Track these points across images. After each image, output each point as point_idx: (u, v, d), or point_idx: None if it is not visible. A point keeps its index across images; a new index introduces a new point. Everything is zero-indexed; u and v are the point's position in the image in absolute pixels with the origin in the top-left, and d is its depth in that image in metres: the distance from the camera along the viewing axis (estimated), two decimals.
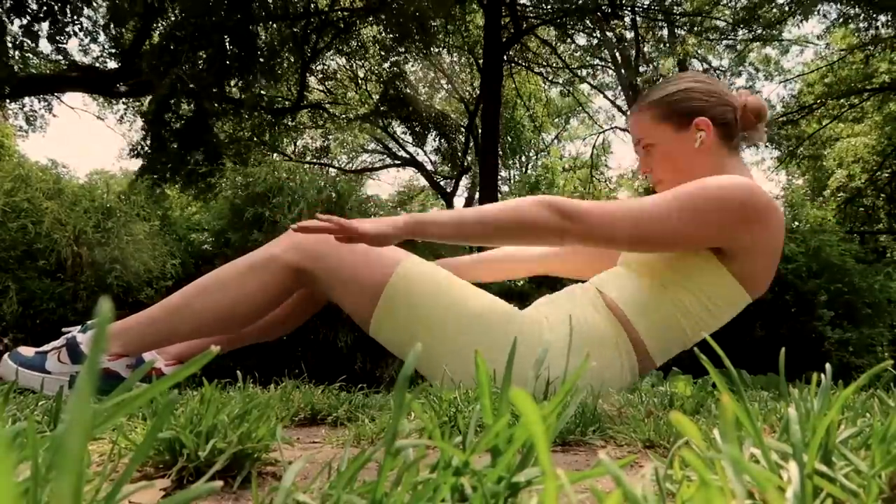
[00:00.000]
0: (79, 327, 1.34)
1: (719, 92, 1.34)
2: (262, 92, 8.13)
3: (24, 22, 6.30)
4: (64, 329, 1.36)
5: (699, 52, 11.95)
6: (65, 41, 6.76)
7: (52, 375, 1.27)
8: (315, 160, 12.87)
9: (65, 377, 1.28)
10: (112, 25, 7.16)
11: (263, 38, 7.73)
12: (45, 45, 6.82)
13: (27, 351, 1.32)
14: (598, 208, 1.17)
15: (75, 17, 6.63)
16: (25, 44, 6.77)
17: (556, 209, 1.16)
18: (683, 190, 1.16)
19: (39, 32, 6.56)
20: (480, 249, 1.62)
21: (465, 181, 14.77)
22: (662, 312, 1.25)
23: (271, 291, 1.32)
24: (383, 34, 9.14)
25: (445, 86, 14.80)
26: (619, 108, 15.15)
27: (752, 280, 1.25)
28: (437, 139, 12.28)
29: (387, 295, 1.28)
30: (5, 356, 1.30)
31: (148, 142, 7.28)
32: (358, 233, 1.17)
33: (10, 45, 6.55)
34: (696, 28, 10.34)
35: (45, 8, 6.30)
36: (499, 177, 10.23)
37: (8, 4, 6.09)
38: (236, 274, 1.31)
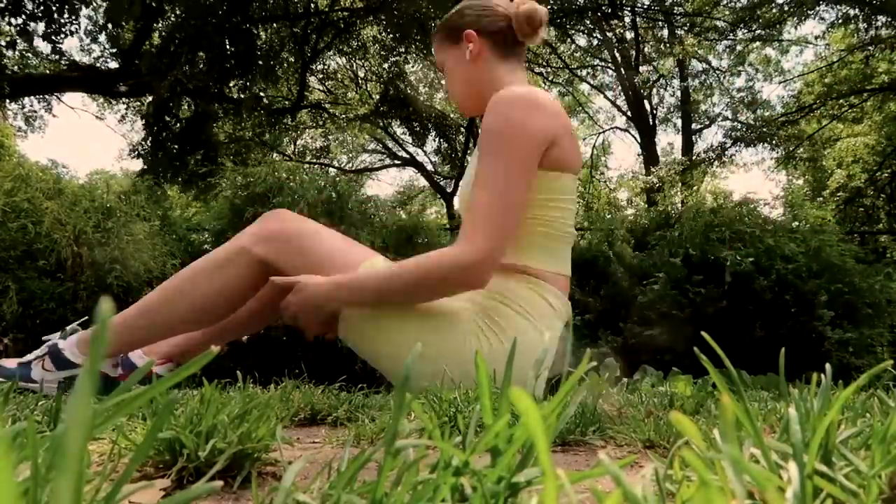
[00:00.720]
0: (58, 334, 1.34)
1: (489, 5, 1.41)
2: (262, 94, 8.12)
3: (20, 21, 6.29)
4: (44, 338, 1.36)
5: (699, 52, 11.95)
6: (61, 41, 6.75)
7: (41, 384, 1.27)
8: (315, 160, 12.87)
9: (53, 385, 1.28)
10: (111, 26, 7.15)
11: (263, 38, 7.73)
12: (44, 46, 6.81)
13: (9, 363, 1.32)
14: (471, 228, 1.19)
15: (73, 17, 6.61)
16: (20, 43, 6.76)
17: (459, 264, 1.18)
18: (485, 167, 1.21)
19: (35, 32, 6.55)
20: None
21: None
22: (529, 237, 1.29)
23: (243, 284, 1.33)
24: (383, 34, 9.13)
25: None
26: (619, 109, 15.15)
27: (567, 160, 1.29)
28: (436, 139, 12.28)
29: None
30: None
31: (149, 143, 7.27)
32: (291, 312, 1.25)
33: (3, 44, 6.54)
34: (696, 28, 10.34)
35: (41, 7, 6.29)
36: None
37: (3, 4, 6.08)
38: (208, 269, 1.33)
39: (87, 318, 1.46)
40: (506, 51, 1.40)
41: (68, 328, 1.36)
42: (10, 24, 6.35)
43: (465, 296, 1.31)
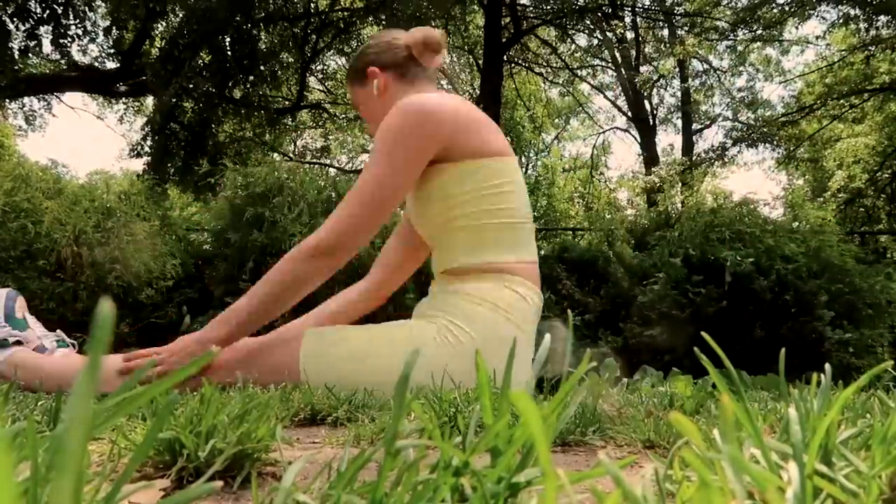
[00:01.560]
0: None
1: (387, 40, 1.47)
2: (262, 93, 8.12)
3: (28, 26, 6.30)
4: None
5: (699, 52, 11.95)
6: (68, 44, 6.76)
7: None
8: (315, 160, 12.87)
9: None
10: (115, 29, 7.15)
11: (264, 39, 7.73)
12: (45, 45, 6.81)
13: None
14: (336, 216, 1.28)
15: (78, 21, 6.62)
16: (29, 47, 6.77)
17: (313, 251, 1.27)
18: (376, 145, 1.29)
19: (42, 36, 6.56)
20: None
21: None
22: (481, 233, 1.31)
23: None
24: None
25: (445, 86, 14.80)
26: (619, 109, 15.16)
27: (483, 147, 1.32)
28: None
29: (303, 361, 1.30)
30: None
31: (148, 142, 7.27)
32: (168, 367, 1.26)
33: (16, 49, 6.55)
34: (696, 28, 10.34)
35: (48, 12, 6.30)
36: None
37: (11, 10, 6.09)
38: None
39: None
40: (410, 76, 1.45)
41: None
42: (18, 28, 6.36)
43: (426, 309, 1.35)
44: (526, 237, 1.37)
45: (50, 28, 6.45)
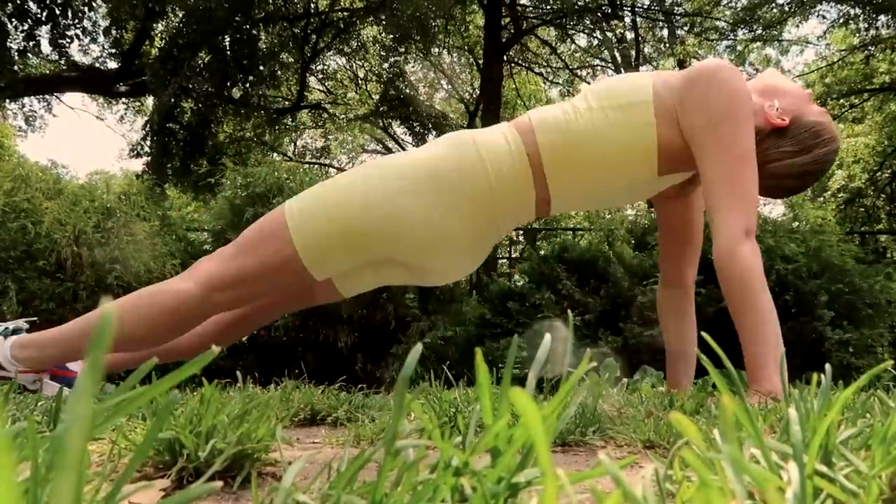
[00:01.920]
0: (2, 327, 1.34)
1: None
2: (262, 93, 8.11)
3: (26, 26, 6.29)
4: None
5: (699, 52, 11.94)
6: (67, 45, 6.75)
7: None
8: (315, 160, 12.87)
9: None
10: (112, 29, 7.15)
11: (264, 39, 7.73)
12: (45, 45, 6.81)
13: None
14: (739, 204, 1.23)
15: (76, 21, 6.62)
16: (27, 47, 6.77)
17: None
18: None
19: (40, 36, 6.56)
20: None
21: None
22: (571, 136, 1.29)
23: (190, 324, 1.31)
24: (383, 34, 9.13)
25: (445, 86, 14.81)
26: None
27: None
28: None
29: (293, 229, 1.24)
30: None
31: (147, 142, 7.27)
32: None
33: (14, 50, 6.55)
34: (696, 28, 10.33)
35: (46, 12, 6.30)
36: None
37: (9, 10, 6.09)
38: (155, 305, 1.27)
39: (36, 318, 1.45)
40: None
41: (10, 325, 1.35)
42: (16, 28, 6.35)
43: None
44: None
45: (48, 28, 6.44)
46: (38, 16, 6.33)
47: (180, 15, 6.89)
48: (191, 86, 6.49)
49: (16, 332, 1.35)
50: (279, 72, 8.22)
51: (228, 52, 6.88)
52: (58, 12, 6.35)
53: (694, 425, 0.28)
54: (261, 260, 1.26)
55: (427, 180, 1.23)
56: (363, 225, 1.23)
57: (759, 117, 1.31)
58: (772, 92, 1.36)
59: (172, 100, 6.51)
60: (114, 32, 7.44)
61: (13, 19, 6.17)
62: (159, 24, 7.52)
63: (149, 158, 7.35)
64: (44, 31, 6.50)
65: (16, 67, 6.75)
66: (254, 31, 7.22)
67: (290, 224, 1.25)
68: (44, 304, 2.14)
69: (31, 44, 6.59)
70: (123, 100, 10.20)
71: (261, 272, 1.26)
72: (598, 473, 0.30)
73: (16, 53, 6.66)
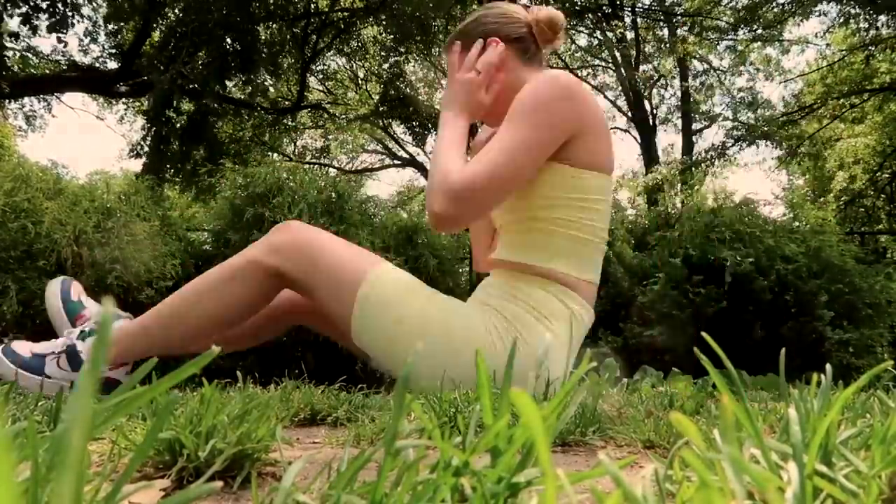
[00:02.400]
0: (77, 331, 1.34)
1: (509, 12, 1.42)
2: (261, 90, 8.10)
3: (24, 10, 6.27)
4: (67, 331, 1.36)
5: (700, 52, 11.95)
6: (65, 32, 6.72)
7: (52, 380, 1.27)
8: (315, 160, 12.87)
9: (65, 382, 1.28)
10: (112, 21, 7.13)
11: (264, 37, 7.73)
12: (45, 46, 6.81)
13: (23, 349, 1.32)
14: (475, 168, 1.21)
15: (74, 11, 6.61)
16: (23, 38, 6.75)
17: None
18: (506, 129, 1.22)
19: (38, 23, 6.53)
20: None
21: None
22: (555, 239, 1.28)
23: (254, 296, 1.33)
24: (383, 34, 9.14)
25: (445, 86, 14.79)
26: (619, 109, 15.16)
27: (596, 159, 1.29)
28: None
29: (359, 303, 1.29)
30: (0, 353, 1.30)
31: (149, 139, 7.25)
32: None
33: (7, 40, 6.53)
34: (696, 28, 10.33)
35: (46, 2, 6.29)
36: None
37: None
38: (221, 280, 1.32)
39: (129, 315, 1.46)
40: (528, 56, 1.40)
41: (87, 329, 1.36)
42: (11, 16, 6.34)
43: (483, 297, 1.32)
44: (597, 257, 1.35)
45: (45, 16, 6.42)
46: (36, 3, 6.31)
47: (178, 11, 6.88)
48: (188, 74, 6.47)
49: (92, 333, 1.36)
50: (279, 72, 8.22)
51: (228, 47, 6.87)
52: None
53: (694, 425, 0.28)
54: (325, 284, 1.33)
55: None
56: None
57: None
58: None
59: (168, 86, 6.45)
60: (112, 24, 7.42)
61: (9, 5, 6.16)
62: (159, 24, 7.51)
63: (146, 154, 7.30)
64: (42, 21, 6.48)
65: (10, 63, 6.74)
66: (254, 31, 7.22)
67: (359, 297, 1.29)
68: (44, 304, 2.14)
69: (27, 27, 6.55)
70: (123, 100, 10.20)
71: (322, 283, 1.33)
72: (598, 473, 0.30)
73: (10, 38, 6.64)
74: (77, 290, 1.47)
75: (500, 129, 1.25)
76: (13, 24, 6.60)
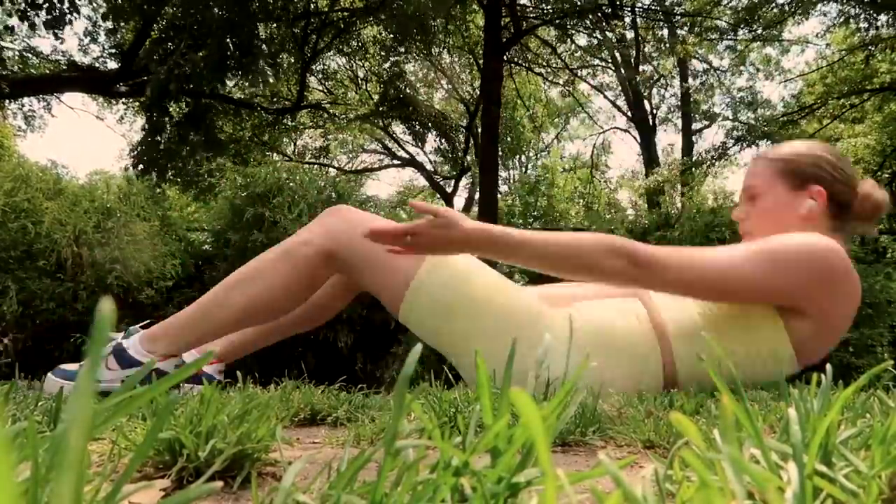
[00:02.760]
0: (121, 334, 1.36)
1: (847, 171, 1.32)
2: (262, 91, 8.09)
3: (21, 6, 6.25)
4: (110, 335, 1.36)
5: (699, 52, 11.95)
6: (62, 29, 6.70)
7: (104, 382, 1.29)
8: (315, 160, 12.87)
9: (116, 382, 1.29)
10: (110, 18, 7.11)
11: (264, 38, 7.72)
12: (45, 46, 6.80)
13: (71, 366, 1.34)
14: (677, 260, 1.15)
15: (72, 8, 6.59)
16: (22, 38, 6.74)
17: (629, 257, 1.15)
18: (770, 245, 1.16)
19: (36, 19, 6.51)
20: None
21: (465, 181, 14.78)
22: (709, 355, 1.22)
23: (305, 278, 1.34)
24: (383, 34, 9.14)
25: (445, 86, 14.80)
26: (619, 109, 15.16)
27: (807, 347, 1.24)
28: (436, 139, 12.28)
29: (415, 284, 1.30)
30: (49, 374, 1.31)
31: (144, 128, 7.21)
32: (416, 252, 1.21)
33: (4, 34, 6.51)
34: (696, 28, 10.33)
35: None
36: (499, 177, 10.24)
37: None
38: (271, 263, 1.33)
39: (149, 321, 1.46)
40: (836, 223, 1.31)
41: (130, 328, 1.38)
42: (10, 14, 6.33)
43: (584, 316, 1.31)
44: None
45: (43, 12, 6.40)
46: (34, 0, 6.29)
47: (177, 8, 6.86)
48: (185, 66, 6.44)
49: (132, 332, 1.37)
50: (279, 70, 8.21)
51: (228, 46, 6.85)
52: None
53: (694, 425, 0.28)
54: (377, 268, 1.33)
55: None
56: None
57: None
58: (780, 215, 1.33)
59: (165, 77, 6.41)
60: (110, 24, 7.40)
61: (4, 1, 6.14)
62: (159, 24, 7.50)
63: (139, 147, 7.26)
64: (41, 17, 6.46)
65: (8, 63, 6.72)
66: (253, 31, 7.21)
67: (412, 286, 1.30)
68: (44, 304, 2.14)
69: (25, 25, 6.54)
70: (123, 100, 10.19)
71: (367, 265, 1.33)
72: (598, 473, 0.30)
73: (6, 34, 6.63)
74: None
75: (742, 245, 1.20)
76: (12, 20, 6.59)
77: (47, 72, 8.49)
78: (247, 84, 7.55)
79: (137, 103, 10.23)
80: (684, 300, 1.29)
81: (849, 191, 1.31)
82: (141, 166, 6.84)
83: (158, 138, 6.97)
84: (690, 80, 13.61)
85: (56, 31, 6.67)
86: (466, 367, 1.33)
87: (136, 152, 7.16)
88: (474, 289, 1.30)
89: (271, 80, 7.52)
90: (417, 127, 11.36)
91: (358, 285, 1.48)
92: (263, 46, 7.15)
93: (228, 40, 6.70)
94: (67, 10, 6.52)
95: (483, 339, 1.27)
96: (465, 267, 1.33)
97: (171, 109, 7.04)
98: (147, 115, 7.08)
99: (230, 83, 7.78)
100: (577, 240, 1.19)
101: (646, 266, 1.14)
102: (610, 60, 12.74)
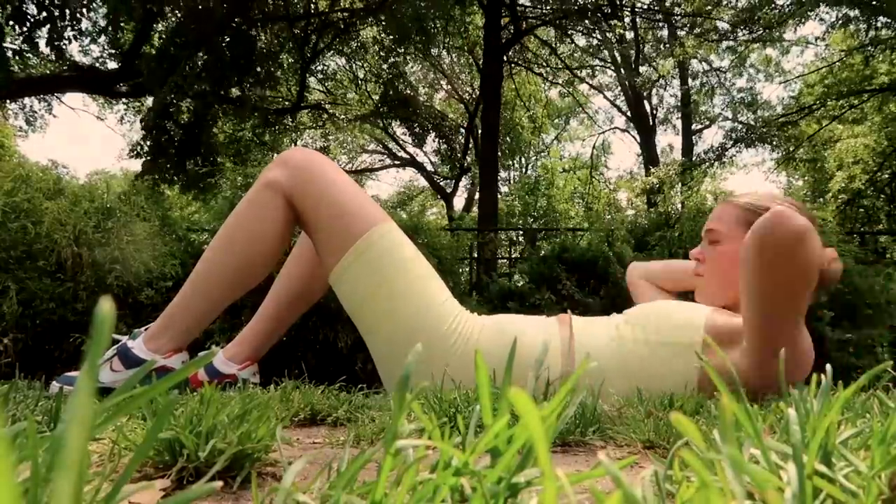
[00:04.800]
0: (126, 337, 1.36)
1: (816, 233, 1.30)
2: (261, 97, 8.08)
3: (25, 29, 6.27)
4: (115, 336, 1.37)
5: (699, 52, 11.95)
6: (64, 45, 6.73)
7: (108, 384, 1.29)
8: None
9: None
10: (110, 28, 7.13)
11: (263, 39, 7.72)
12: (45, 46, 6.81)
13: (74, 372, 1.34)
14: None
15: (74, 23, 6.60)
16: (24, 49, 6.76)
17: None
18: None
19: (38, 38, 6.54)
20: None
21: (464, 181, 14.79)
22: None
23: (276, 221, 1.34)
24: (383, 35, 9.13)
25: (445, 86, 14.80)
26: (619, 109, 15.16)
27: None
28: (436, 140, 12.28)
29: (360, 245, 1.29)
30: (53, 381, 1.31)
31: (147, 145, 7.24)
32: None
33: (10, 52, 6.53)
34: (696, 29, 10.34)
35: (44, 14, 6.27)
36: (498, 177, 10.23)
37: (9, 11, 6.07)
38: (239, 218, 1.34)
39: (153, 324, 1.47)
40: None
41: (135, 331, 1.38)
42: (14, 30, 6.33)
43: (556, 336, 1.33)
44: None
45: (46, 30, 6.41)
46: (37, 18, 6.30)
47: (179, 14, 6.86)
48: (187, 84, 6.45)
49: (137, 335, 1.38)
50: (278, 72, 8.20)
51: (227, 53, 6.86)
52: (56, 14, 6.32)
53: (694, 425, 0.28)
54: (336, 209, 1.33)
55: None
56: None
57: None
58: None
59: (169, 97, 6.46)
60: (110, 31, 7.41)
61: (10, 21, 6.15)
62: (158, 25, 7.50)
63: (145, 157, 7.30)
64: (42, 33, 6.48)
65: (15, 68, 6.73)
66: (252, 32, 7.21)
67: (360, 243, 1.30)
68: (44, 304, 2.14)
69: (26, 46, 6.58)
70: (123, 100, 10.19)
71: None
72: (598, 474, 0.30)
73: (12, 55, 6.65)
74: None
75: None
76: (16, 41, 6.60)
77: (47, 72, 8.49)
78: (247, 87, 7.55)
79: (138, 103, 10.23)
80: (608, 336, 1.29)
81: None
82: (143, 173, 6.85)
83: (159, 157, 6.99)
84: (690, 80, 13.62)
85: (59, 48, 6.67)
86: (376, 344, 1.32)
87: (138, 156, 7.17)
88: (410, 271, 1.31)
89: (268, 87, 7.52)
90: (417, 127, 11.36)
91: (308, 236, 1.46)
92: (263, 49, 7.15)
93: (227, 52, 6.71)
94: (70, 25, 6.52)
95: (397, 324, 1.27)
96: (411, 251, 1.35)
97: (171, 131, 7.07)
98: (148, 135, 7.10)
99: (228, 84, 7.77)
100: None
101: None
102: (609, 61, 12.74)
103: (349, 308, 1.35)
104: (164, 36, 7.20)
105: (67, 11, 6.16)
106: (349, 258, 1.30)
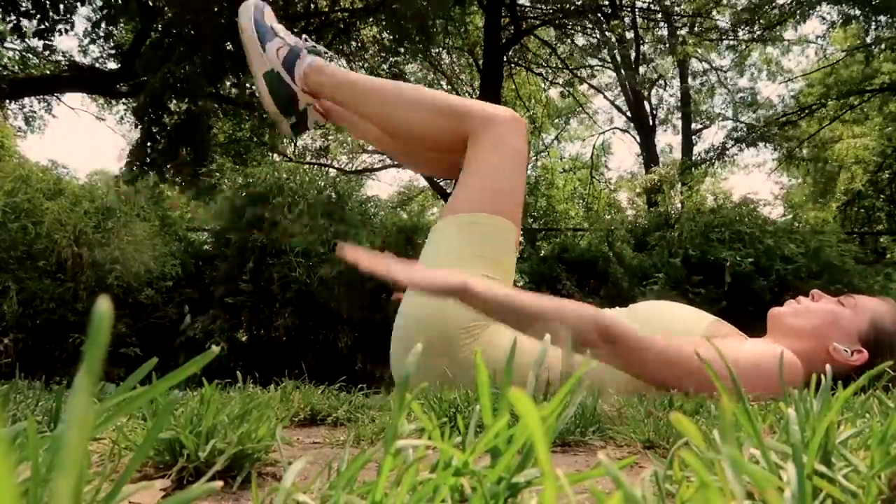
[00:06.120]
0: (311, 44, 1.43)
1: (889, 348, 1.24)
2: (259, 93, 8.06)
3: (13, 18, 6.25)
4: (303, 35, 1.44)
5: (699, 52, 11.95)
6: (52, 38, 6.71)
7: (264, 56, 1.35)
8: (315, 160, 12.86)
9: (268, 66, 1.37)
10: (105, 24, 7.11)
11: None
12: (38, 44, 6.81)
13: (270, 17, 1.41)
14: (640, 352, 1.12)
15: (67, 16, 6.58)
16: (10, 41, 6.75)
17: (603, 336, 1.10)
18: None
19: (26, 29, 6.52)
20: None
21: None
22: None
23: (449, 137, 1.40)
24: (383, 35, 9.13)
25: (445, 86, 14.80)
26: (619, 109, 15.16)
27: None
28: None
29: (482, 218, 1.35)
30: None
31: (137, 135, 7.21)
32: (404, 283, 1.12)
33: (9, 52, 6.52)
34: (696, 28, 10.34)
35: (35, 4, 6.26)
36: None
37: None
38: (434, 111, 1.40)
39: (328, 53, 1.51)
40: (818, 372, 1.25)
41: (319, 48, 1.43)
42: (3, 20, 6.33)
43: None
44: None
45: (35, 22, 6.39)
46: (28, 9, 6.28)
47: (176, 10, 6.84)
48: (182, 73, 6.42)
49: (316, 51, 1.42)
50: None
51: (225, 47, 6.84)
52: (47, 4, 6.30)
53: (694, 425, 0.28)
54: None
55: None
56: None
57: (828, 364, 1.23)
58: (822, 332, 1.25)
59: (159, 85, 6.41)
60: (104, 27, 7.39)
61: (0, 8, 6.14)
62: (158, 24, 7.49)
63: (129, 153, 7.25)
64: (32, 25, 6.46)
65: (15, 68, 6.72)
66: None
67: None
68: (44, 304, 2.14)
69: (15, 35, 6.56)
70: (123, 100, 10.18)
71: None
72: (598, 474, 0.30)
73: (3, 47, 6.64)
74: (270, 17, 1.49)
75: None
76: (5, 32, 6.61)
77: (47, 72, 8.49)
78: (246, 86, 7.53)
79: (136, 103, 10.23)
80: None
81: (871, 367, 1.25)
82: (135, 169, 6.83)
83: (149, 145, 6.95)
84: (690, 80, 13.62)
85: (47, 40, 6.66)
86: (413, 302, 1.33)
87: (129, 159, 7.15)
88: (494, 266, 1.33)
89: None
90: None
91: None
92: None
93: (225, 45, 6.69)
94: (61, 19, 6.51)
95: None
96: (509, 261, 1.39)
97: (164, 119, 7.03)
98: (138, 123, 7.07)
99: (228, 83, 7.76)
100: (565, 307, 1.14)
101: (614, 340, 1.11)
102: (609, 60, 12.74)
103: (431, 246, 1.38)
104: (159, 28, 7.18)
105: (61, 4, 6.15)
106: (475, 218, 1.35)
